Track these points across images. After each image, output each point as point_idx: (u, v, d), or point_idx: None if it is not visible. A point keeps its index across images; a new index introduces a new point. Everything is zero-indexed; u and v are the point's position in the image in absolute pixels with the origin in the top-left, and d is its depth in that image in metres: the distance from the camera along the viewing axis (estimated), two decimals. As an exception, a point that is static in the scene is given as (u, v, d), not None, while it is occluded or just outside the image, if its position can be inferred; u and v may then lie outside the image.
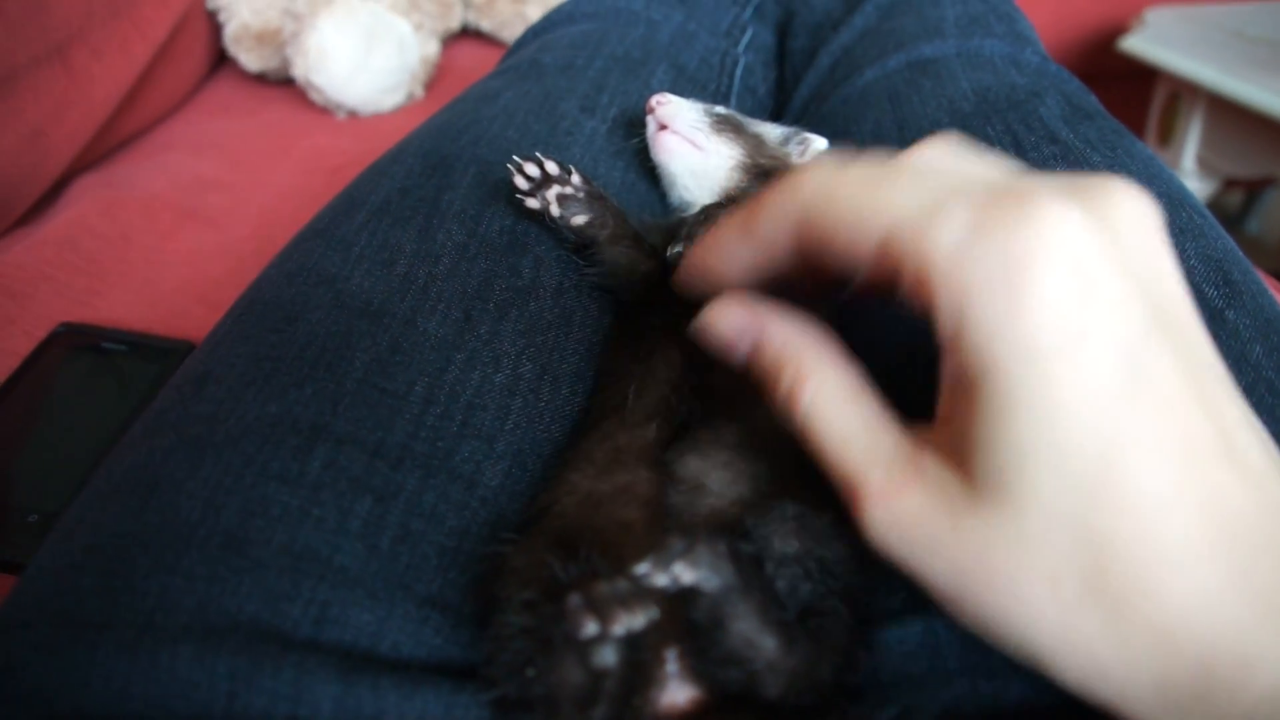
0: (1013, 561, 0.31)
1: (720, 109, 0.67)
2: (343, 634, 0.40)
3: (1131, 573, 0.30)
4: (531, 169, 0.56)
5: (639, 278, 0.58)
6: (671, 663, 0.39)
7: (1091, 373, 0.30)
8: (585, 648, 0.35)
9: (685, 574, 0.36)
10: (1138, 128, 1.75)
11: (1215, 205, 1.76)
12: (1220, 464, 0.31)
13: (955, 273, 0.31)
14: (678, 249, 0.52)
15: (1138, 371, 0.30)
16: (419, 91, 1.31)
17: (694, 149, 0.64)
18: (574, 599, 0.35)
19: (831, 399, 0.37)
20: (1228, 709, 0.29)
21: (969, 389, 0.31)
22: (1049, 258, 0.30)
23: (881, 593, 0.44)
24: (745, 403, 0.48)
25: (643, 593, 0.35)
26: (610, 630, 0.34)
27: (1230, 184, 1.76)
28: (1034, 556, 0.31)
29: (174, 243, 0.97)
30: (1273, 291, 0.55)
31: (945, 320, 0.31)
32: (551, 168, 0.56)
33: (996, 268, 0.30)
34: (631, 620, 0.34)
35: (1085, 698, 0.32)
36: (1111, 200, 0.32)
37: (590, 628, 0.34)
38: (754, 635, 0.37)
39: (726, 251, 0.41)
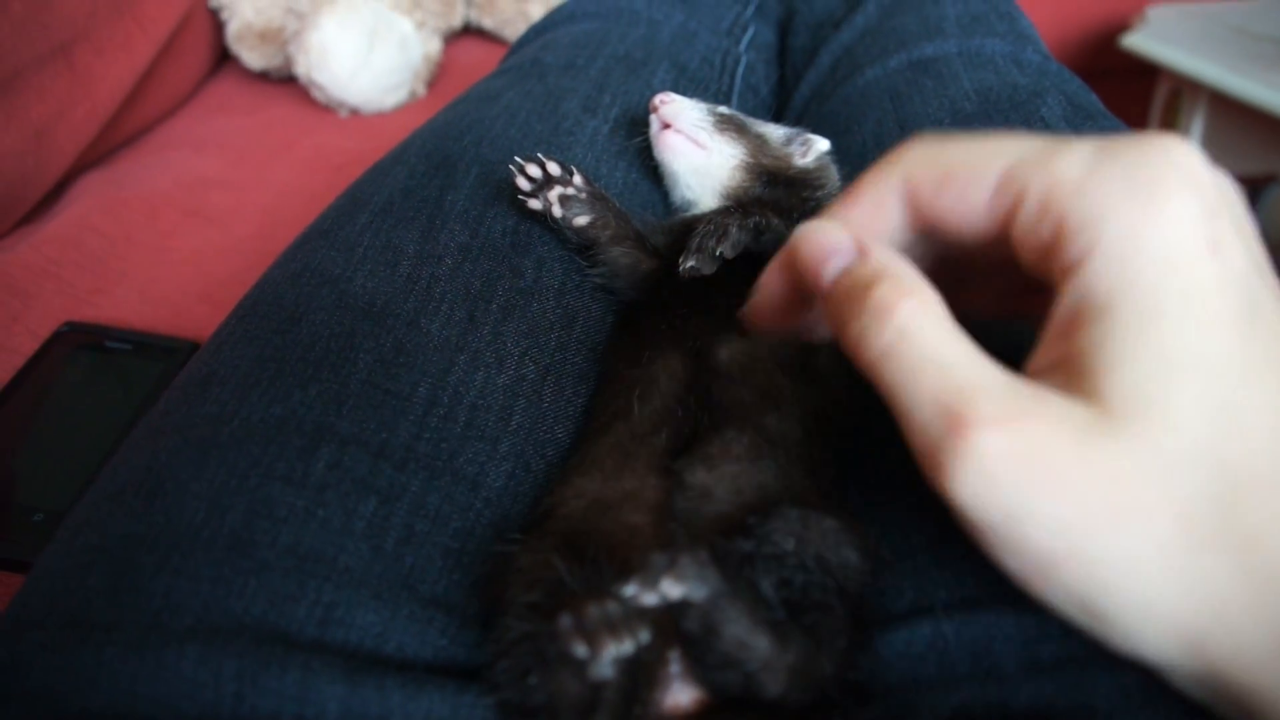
0: (1148, 493, 0.28)
1: (723, 109, 0.67)
2: (348, 635, 0.41)
3: (1267, 509, 0.28)
4: (534, 170, 0.56)
5: (641, 278, 0.58)
6: (674, 664, 0.39)
7: (1229, 282, 0.29)
8: (580, 665, 0.35)
9: (672, 589, 0.36)
10: (1139, 125, 1.75)
11: (1217, 202, 1.75)
12: None
13: (1089, 192, 0.31)
14: (691, 263, 0.52)
15: (1254, 297, 0.30)
16: (421, 90, 1.31)
17: (697, 148, 0.64)
18: (565, 620, 0.35)
19: (935, 319, 0.33)
20: None
21: (1099, 311, 0.30)
22: (1182, 178, 0.30)
23: (888, 596, 0.44)
24: (754, 411, 0.48)
25: (635, 616, 0.35)
26: (600, 655, 0.34)
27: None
28: (1171, 487, 0.28)
29: (177, 241, 0.97)
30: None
31: (1074, 241, 0.31)
32: (554, 168, 0.56)
33: (1133, 184, 0.30)
34: (620, 647, 0.34)
35: (1182, 665, 0.30)
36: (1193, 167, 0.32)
37: (581, 650, 0.34)
38: (746, 637, 0.37)
39: (827, 234, 0.37)
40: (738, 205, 0.60)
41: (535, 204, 0.56)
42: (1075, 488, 0.29)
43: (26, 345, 0.81)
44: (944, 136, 0.36)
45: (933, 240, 0.38)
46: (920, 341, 0.32)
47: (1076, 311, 0.31)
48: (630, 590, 0.36)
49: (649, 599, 0.36)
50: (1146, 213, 0.30)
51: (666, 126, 0.64)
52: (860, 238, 0.36)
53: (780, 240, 0.43)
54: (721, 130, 0.64)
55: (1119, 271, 0.30)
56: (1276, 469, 0.28)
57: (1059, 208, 0.31)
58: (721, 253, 0.51)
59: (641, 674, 0.38)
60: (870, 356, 0.33)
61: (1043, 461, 0.29)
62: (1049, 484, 0.29)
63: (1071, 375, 0.31)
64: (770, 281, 0.40)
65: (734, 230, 0.52)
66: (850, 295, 0.34)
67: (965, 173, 0.34)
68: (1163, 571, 0.29)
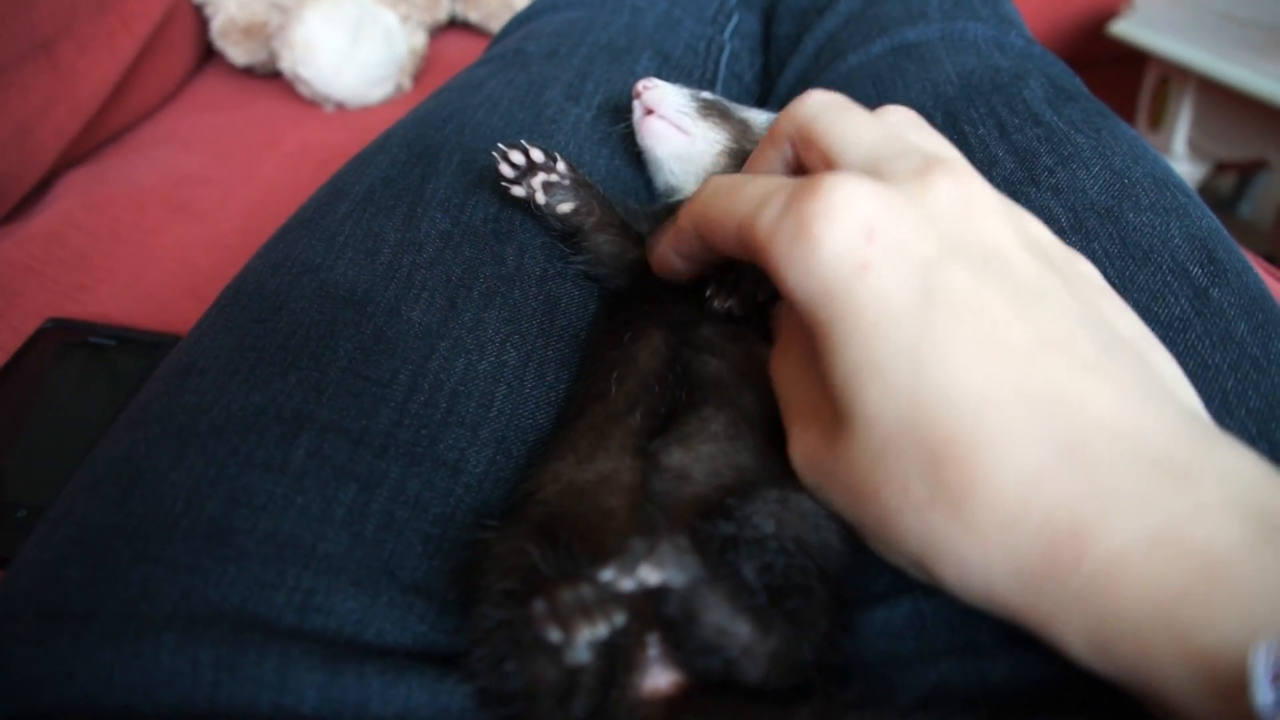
0: (872, 476, 0.35)
1: (707, 94, 0.67)
2: (327, 622, 0.40)
3: (962, 465, 0.32)
4: (517, 156, 0.55)
5: (626, 265, 0.58)
6: (653, 647, 0.39)
7: (880, 292, 0.34)
8: (556, 650, 0.35)
9: (651, 575, 0.35)
10: (1128, 112, 1.75)
11: (1207, 189, 1.75)
12: (1051, 360, 0.33)
13: (771, 243, 0.37)
14: (729, 305, 0.52)
15: (932, 289, 0.34)
16: (407, 84, 1.31)
17: (680, 134, 0.63)
18: (538, 605, 0.35)
19: (789, 368, 0.43)
20: (1074, 584, 0.31)
21: (812, 338, 0.37)
22: (830, 212, 0.35)
23: (868, 575, 0.44)
24: (732, 389, 0.48)
25: (608, 599, 0.35)
26: (574, 639, 0.34)
27: (1222, 167, 1.76)
28: (885, 467, 0.34)
29: (162, 237, 0.97)
30: (1258, 270, 0.55)
31: (778, 284, 0.37)
32: (537, 155, 0.55)
33: (792, 229, 0.36)
34: (594, 631, 0.34)
35: (973, 601, 0.35)
36: (927, 181, 0.37)
37: (555, 635, 0.34)
38: (727, 624, 0.37)
39: (665, 254, 0.50)
40: None
41: (519, 191, 0.56)
42: (838, 479, 0.37)
43: (10, 342, 0.80)
44: (715, 183, 0.43)
45: None
46: (780, 383, 0.45)
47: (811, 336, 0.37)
48: (608, 575, 0.35)
49: (626, 584, 0.35)
50: (803, 254, 0.35)
51: (649, 112, 0.64)
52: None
53: None
54: (705, 116, 0.64)
55: (804, 311, 0.36)
56: (968, 425, 0.32)
57: (762, 262, 0.38)
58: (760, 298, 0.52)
59: (620, 658, 0.37)
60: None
61: (816, 462, 0.39)
62: (824, 477, 0.39)
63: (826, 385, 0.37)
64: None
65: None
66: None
67: (720, 234, 0.42)
68: (909, 534, 0.34)
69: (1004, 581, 0.33)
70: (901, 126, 0.42)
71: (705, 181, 0.44)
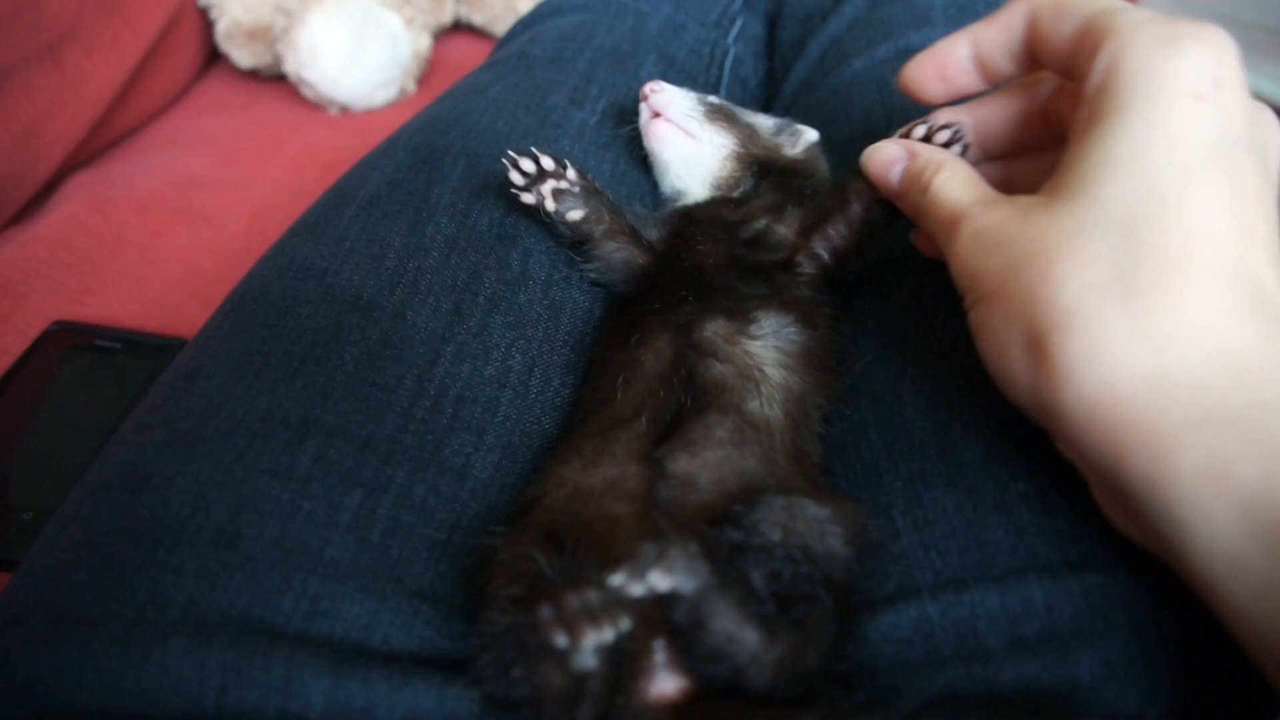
0: (1060, 245, 0.37)
1: (713, 99, 0.67)
2: (333, 627, 0.40)
3: (1161, 274, 0.35)
4: (527, 164, 0.55)
5: (635, 272, 0.58)
6: (659, 653, 0.39)
7: (1203, 124, 0.36)
8: (562, 655, 0.35)
9: (661, 581, 0.36)
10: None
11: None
12: (1268, 262, 0.36)
13: (1133, 33, 0.38)
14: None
15: (1233, 155, 0.36)
16: (411, 87, 1.31)
17: (687, 137, 0.63)
18: (544, 610, 0.35)
19: (957, 177, 0.46)
20: (1220, 407, 0.33)
21: (1089, 124, 0.38)
22: (1206, 41, 0.37)
23: (874, 579, 0.44)
24: (736, 394, 0.48)
25: (614, 604, 0.35)
26: (580, 644, 0.34)
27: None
28: (1082, 239, 0.36)
29: (167, 240, 0.97)
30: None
31: (1102, 65, 0.39)
32: (547, 162, 0.55)
33: (1162, 33, 0.38)
34: (600, 635, 0.34)
35: (1081, 397, 0.35)
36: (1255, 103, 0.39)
37: (561, 640, 0.34)
38: (735, 631, 0.37)
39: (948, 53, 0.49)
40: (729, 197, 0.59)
41: (528, 198, 0.56)
42: (1014, 243, 0.39)
43: (16, 345, 0.80)
44: None
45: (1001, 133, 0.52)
46: (947, 188, 0.45)
47: (1080, 124, 0.40)
48: (617, 580, 0.36)
49: (636, 590, 0.36)
50: (1158, 58, 0.37)
51: (656, 115, 0.64)
52: (911, 148, 0.50)
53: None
54: (712, 120, 0.64)
55: (1121, 95, 0.38)
56: (1187, 255, 0.35)
57: (1103, 40, 0.39)
58: None
59: (626, 664, 0.37)
60: (923, 221, 0.47)
61: (998, 229, 0.40)
62: (999, 241, 0.40)
63: (1054, 175, 0.40)
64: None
65: None
66: (909, 184, 0.48)
67: (1069, 15, 0.42)
68: (1064, 297, 0.36)
69: (1143, 380, 0.34)
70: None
71: None
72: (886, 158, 0.51)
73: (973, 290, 0.41)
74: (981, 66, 0.48)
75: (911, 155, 0.49)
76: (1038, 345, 0.36)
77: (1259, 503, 0.32)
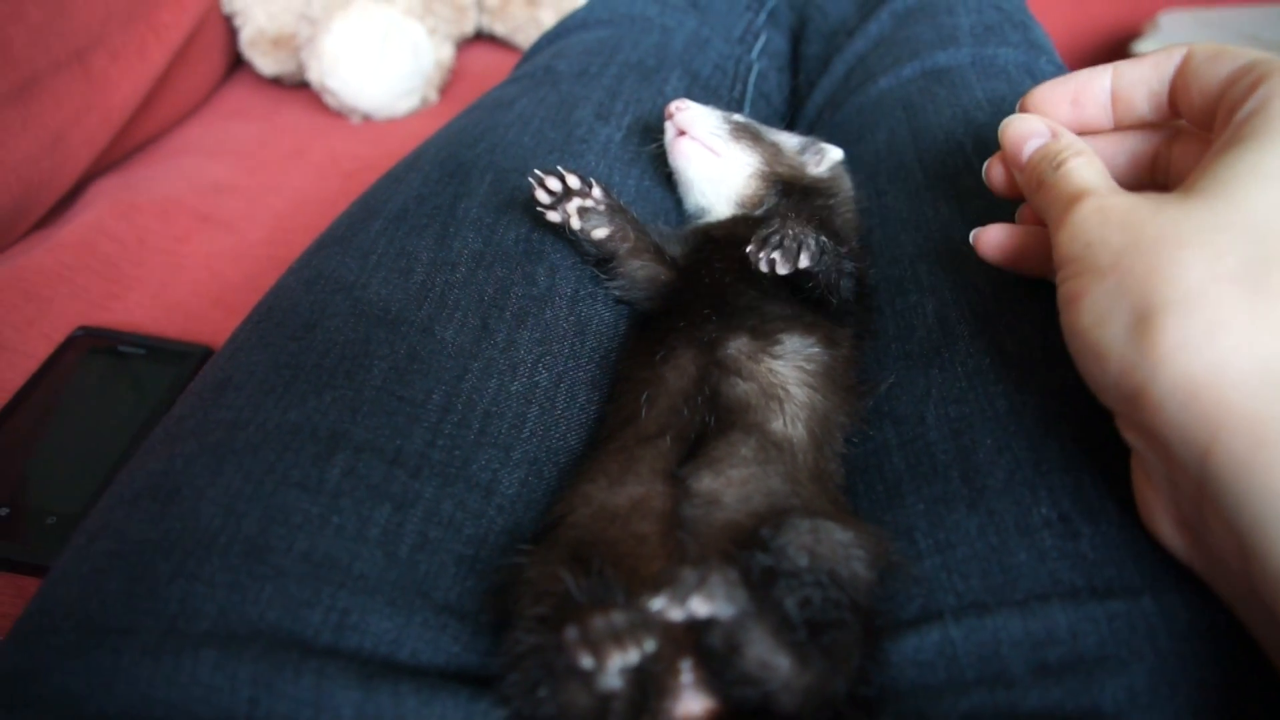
0: (1196, 231, 0.38)
1: (738, 116, 0.67)
2: (362, 641, 0.41)
3: None
4: (553, 183, 0.55)
5: (659, 290, 0.58)
6: (686, 673, 0.39)
7: None
8: (588, 676, 0.35)
9: (701, 607, 0.36)
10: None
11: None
12: None
13: (1268, 74, 0.41)
14: (775, 255, 0.52)
15: None
16: (433, 96, 1.32)
17: (712, 155, 0.64)
18: (570, 632, 0.35)
19: (1094, 164, 0.46)
20: None
21: (1237, 140, 0.40)
22: None
23: (898, 602, 0.44)
24: (760, 412, 0.48)
25: (640, 626, 0.35)
26: (605, 665, 0.34)
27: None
28: (1217, 234, 0.37)
29: (190, 246, 0.98)
30: None
31: (1259, 96, 0.40)
32: (573, 181, 0.55)
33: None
34: (625, 657, 0.34)
35: (1188, 369, 0.36)
36: None
37: (587, 661, 0.34)
38: (769, 658, 0.37)
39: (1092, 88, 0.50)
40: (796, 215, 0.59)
41: (554, 216, 0.56)
42: (1142, 225, 0.39)
43: (41, 349, 0.81)
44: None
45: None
46: (1081, 170, 0.45)
47: (1224, 140, 0.41)
48: (658, 604, 0.36)
49: (676, 614, 0.36)
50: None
51: (682, 133, 0.64)
52: (1054, 128, 0.50)
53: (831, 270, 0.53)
54: (737, 138, 0.65)
55: (1269, 117, 0.39)
56: None
57: (1260, 79, 0.41)
58: (801, 263, 0.51)
59: (652, 685, 0.38)
60: (1041, 194, 0.47)
61: (1122, 209, 0.41)
62: (1121, 221, 0.40)
63: (1189, 179, 0.41)
64: (993, 166, 0.54)
65: (813, 244, 0.52)
66: (1042, 158, 0.48)
67: (1222, 62, 0.44)
68: (1181, 283, 0.36)
69: (1258, 367, 0.34)
70: None
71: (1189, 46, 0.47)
72: (1028, 129, 0.50)
73: (1081, 260, 0.41)
74: (1117, 102, 0.50)
75: (1054, 135, 0.49)
76: (1146, 321, 0.37)
77: None
